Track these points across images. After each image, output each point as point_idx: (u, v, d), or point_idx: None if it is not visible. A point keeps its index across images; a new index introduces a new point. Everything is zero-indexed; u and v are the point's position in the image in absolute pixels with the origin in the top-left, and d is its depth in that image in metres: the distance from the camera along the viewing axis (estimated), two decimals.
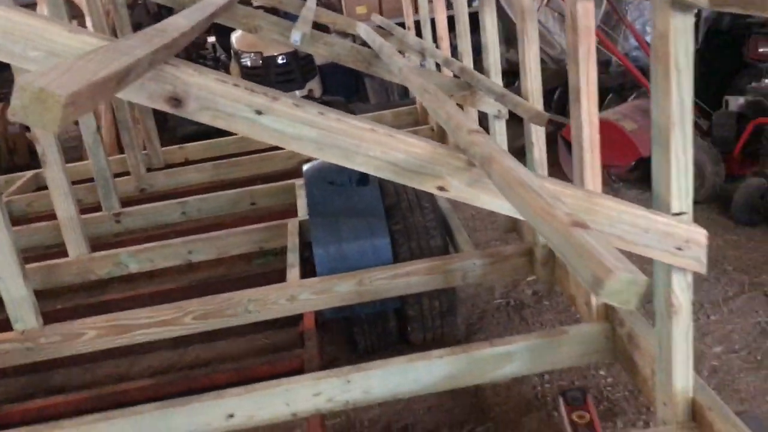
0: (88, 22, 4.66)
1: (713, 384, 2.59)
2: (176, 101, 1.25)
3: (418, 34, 4.29)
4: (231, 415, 2.00)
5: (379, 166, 1.33)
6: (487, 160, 1.19)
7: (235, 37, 6.49)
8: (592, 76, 1.80)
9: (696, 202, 4.14)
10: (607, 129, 4.30)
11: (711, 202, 3.98)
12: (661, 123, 1.41)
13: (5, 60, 1.19)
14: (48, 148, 2.96)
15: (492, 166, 1.17)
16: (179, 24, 1.35)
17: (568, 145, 4.56)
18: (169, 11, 5.26)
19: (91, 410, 2.12)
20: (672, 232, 1.41)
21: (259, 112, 1.27)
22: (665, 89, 1.37)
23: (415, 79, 1.85)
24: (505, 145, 2.80)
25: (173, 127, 6.43)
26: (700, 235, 1.43)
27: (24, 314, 2.48)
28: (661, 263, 1.51)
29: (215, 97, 1.26)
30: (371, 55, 2.67)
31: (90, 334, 2.51)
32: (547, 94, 4.70)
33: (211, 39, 7.53)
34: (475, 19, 2.87)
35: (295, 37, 2.02)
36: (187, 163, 4.80)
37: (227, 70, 6.72)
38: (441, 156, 1.34)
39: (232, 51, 6.62)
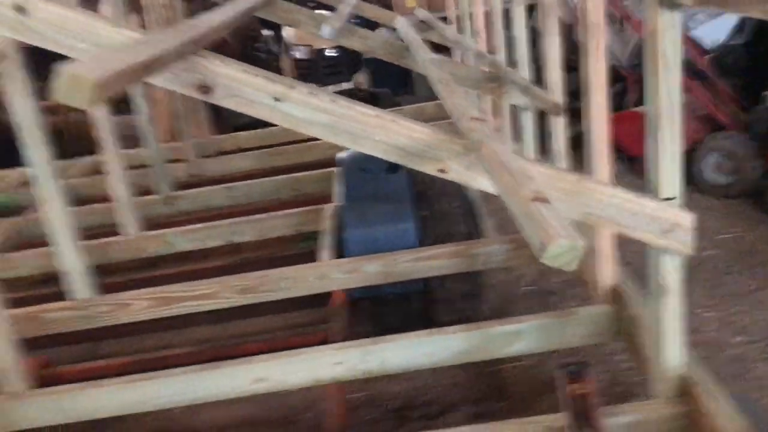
0: (148, 16, 4.91)
1: (730, 372, 2.64)
2: (206, 89, 1.42)
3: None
4: (259, 380, 2.17)
5: (385, 149, 1.47)
6: (478, 144, 1.32)
7: (287, 30, 6.70)
8: (601, 69, 1.90)
9: (732, 197, 4.15)
10: (645, 122, 4.35)
11: (747, 197, 3.97)
12: (652, 114, 1.51)
13: (58, 50, 1.37)
14: (104, 134, 3.19)
15: (481, 149, 1.29)
16: (211, 20, 1.52)
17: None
18: None
19: (133, 373, 2.33)
20: (659, 216, 1.51)
21: (277, 99, 1.43)
22: (655, 82, 1.47)
23: (434, 71, 1.98)
24: (530, 135, 2.90)
25: (227, 117, 6.68)
26: (687, 219, 1.52)
27: (79, 285, 2.71)
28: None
29: (239, 85, 1.41)
30: (403, 48, 2.80)
31: (138, 304, 2.72)
32: None
33: (267, 32, 7.77)
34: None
35: (325, 31, 2.16)
36: (237, 151, 5.03)
37: (280, 63, 6.96)
38: (441, 141, 1.46)
39: (284, 44, 6.84)
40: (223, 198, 4.08)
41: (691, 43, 4.57)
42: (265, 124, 4.79)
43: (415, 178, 2.91)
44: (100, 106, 3.08)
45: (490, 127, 1.41)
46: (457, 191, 2.88)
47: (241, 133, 5.25)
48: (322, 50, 6.43)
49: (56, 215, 2.63)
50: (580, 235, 0.92)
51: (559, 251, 0.90)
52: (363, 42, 2.84)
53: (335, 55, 6.44)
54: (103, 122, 3.16)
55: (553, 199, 1.44)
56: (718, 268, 3.40)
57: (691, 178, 4.23)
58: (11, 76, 2.42)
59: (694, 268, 3.44)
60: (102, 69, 0.85)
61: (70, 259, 2.69)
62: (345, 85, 6.55)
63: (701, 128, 4.28)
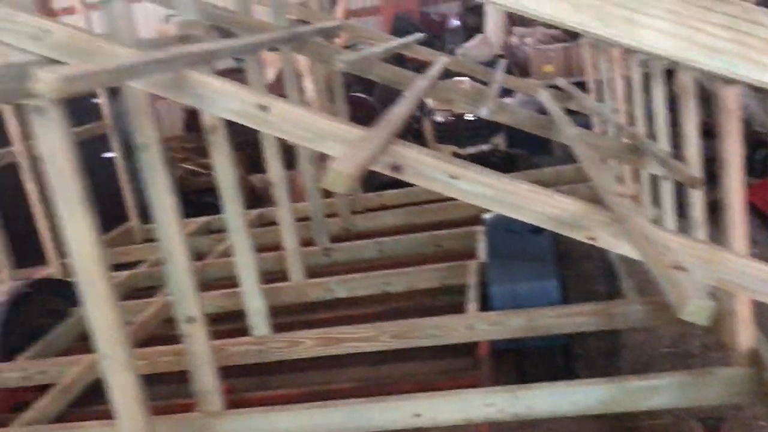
0: (308, 81, 5.52)
1: None
2: (397, 168, 1.78)
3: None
4: (417, 415, 2.47)
5: (540, 218, 1.76)
6: (623, 217, 1.58)
7: None
8: (736, 149, 2.09)
9: None
10: None
11: None
12: None
13: (288, 138, 1.79)
14: (280, 192, 3.68)
15: (627, 222, 1.56)
16: (399, 112, 1.89)
17: (750, 205, 4.61)
18: None
19: (305, 402, 2.69)
20: None
21: (452, 177, 1.76)
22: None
23: (581, 148, 2.25)
24: (669, 203, 3.07)
25: (371, 176, 7.15)
26: None
27: (259, 323, 3.15)
28: None
29: (423, 166, 1.76)
30: (548, 121, 3.09)
31: (307, 343, 3.12)
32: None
33: None
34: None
35: (483, 112, 2.51)
36: (383, 208, 5.46)
37: (421, 126, 7.42)
38: (589, 213, 1.73)
39: (426, 108, 7.30)
40: (375, 251, 4.48)
41: None
42: (408, 184, 5.19)
43: (558, 239, 3.15)
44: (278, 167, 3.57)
45: (630, 202, 1.67)
46: (597, 253, 3.09)
47: (388, 191, 5.66)
48: (461, 114, 6.81)
49: (244, 261, 3.09)
50: (713, 297, 1.17)
51: (694, 309, 1.14)
52: (512, 117, 3.16)
53: (474, 119, 6.80)
54: (278, 181, 3.64)
55: (688, 265, 1.68)
56: None
57: None
58: (218, 145, 2.93)
59: None
60: (352, 164, 1.22)
61: (254, 299, 3.14)
62: (484, 147, 6.88)
63: None
